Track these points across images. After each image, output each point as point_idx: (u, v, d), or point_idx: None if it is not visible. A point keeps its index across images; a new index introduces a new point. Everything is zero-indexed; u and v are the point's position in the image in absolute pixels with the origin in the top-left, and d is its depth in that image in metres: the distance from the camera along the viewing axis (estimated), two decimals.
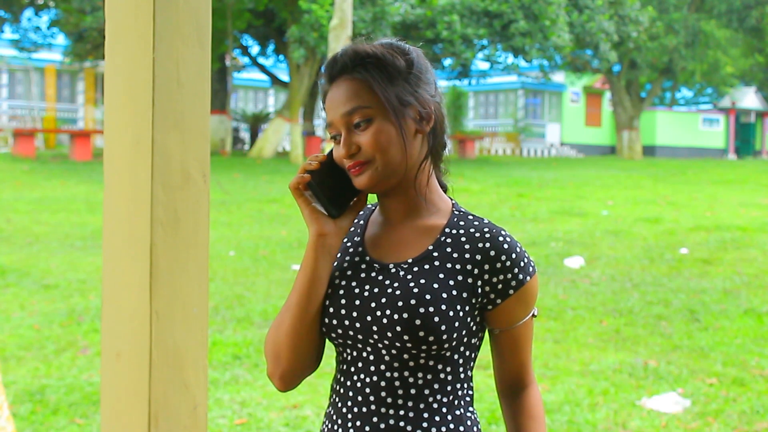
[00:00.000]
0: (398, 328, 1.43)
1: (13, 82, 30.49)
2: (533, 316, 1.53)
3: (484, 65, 27.17)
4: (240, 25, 25.29)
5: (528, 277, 1.48)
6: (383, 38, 1.53)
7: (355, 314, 1.47)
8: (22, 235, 10.36)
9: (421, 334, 1.42)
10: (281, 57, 29.45)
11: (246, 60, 30.89)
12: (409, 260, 1.49)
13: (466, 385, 1.52)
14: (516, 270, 1.47)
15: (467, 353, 1.50)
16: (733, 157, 36.45)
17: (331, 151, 1.52)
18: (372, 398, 1.46)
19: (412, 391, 1.46)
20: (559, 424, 4.31)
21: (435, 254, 1.48)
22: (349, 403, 1.49)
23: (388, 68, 1.47)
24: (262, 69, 29.06)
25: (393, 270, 1.49)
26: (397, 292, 1.45)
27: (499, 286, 1.47)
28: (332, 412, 1.53)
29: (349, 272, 1.52)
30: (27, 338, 5.85)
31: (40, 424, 4.29)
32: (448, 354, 1.46)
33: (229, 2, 23.00)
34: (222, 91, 26.17)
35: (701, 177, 20.22)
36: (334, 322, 1.49)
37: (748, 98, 37.81)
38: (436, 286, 1.45)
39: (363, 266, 1.52)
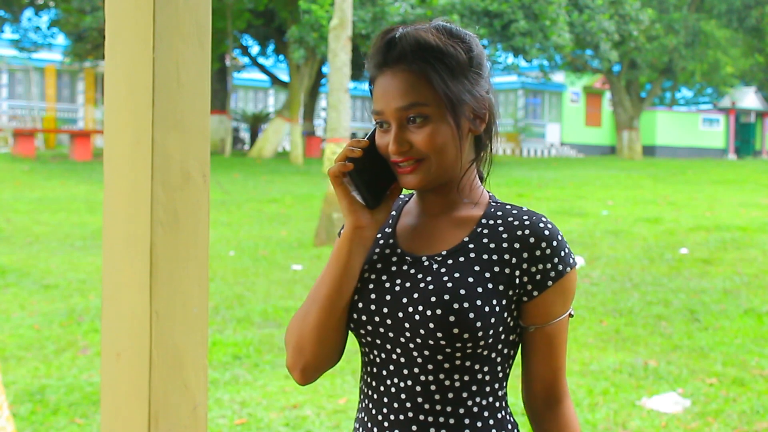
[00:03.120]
0: (431, 325, 1.34)
1: (13, 82, 30.49)
2: (570, 315, 1.43)
3: None
4: (240, 25, 25.31)
5: (568, 268, 1.38)
6: (439, 21, 1.43)
7: (386, 310, 1.40)
8: (22, 235, 10.36)
9: (456, 331, 1.33)
10: (281, 57, 29.47)
11: (246, 60, 30.93)
12: (443, 252, 1.40)
13: (505, 385, 1.44)
14: (556, 260, 1.37)
15: (505, 351, 1.41)
16: (733, 157, 36.44)
17: (373, 136, 1.42)
18: (408, 404, 1.39)
19: (450, 396, 1.38)
20: None
21: (471, 246, 1.39)
22: (385, 410, 1.41)
23: (450, 63, 1.37)
24: (262, 69, 29.07)
25: (426, 263, 1.40)
26: (430, 287, 1.36)
27: (538, 276, 1.36)
28: (366, 419, 1.45)
29: (379, 265, 1.44)
30: (27, 338, 5.85)
31: (40, 424, 4.29)
32: (485, 353, 1.37)
33: (229, 2, 23.01)
34: (222, 91, 26.19)
35: (701, 177, 20.21)
36: (364, 318, 1.42)
37: (748, 98, 37.80)
38: (471, 279, 1.36)
39: (394, 259, 1.44)
